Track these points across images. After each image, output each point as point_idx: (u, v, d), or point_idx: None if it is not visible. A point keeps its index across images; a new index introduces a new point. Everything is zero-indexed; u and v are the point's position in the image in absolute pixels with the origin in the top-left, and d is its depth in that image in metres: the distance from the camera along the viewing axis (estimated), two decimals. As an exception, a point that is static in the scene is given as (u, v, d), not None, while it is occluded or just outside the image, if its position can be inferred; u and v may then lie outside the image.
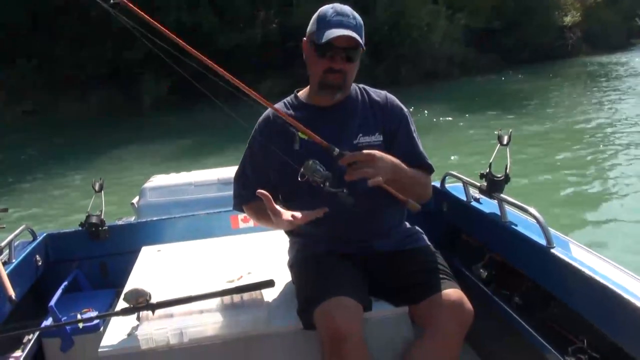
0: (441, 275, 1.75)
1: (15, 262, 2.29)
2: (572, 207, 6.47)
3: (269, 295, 1.85)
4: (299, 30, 2.00)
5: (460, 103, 15.02)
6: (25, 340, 2.19)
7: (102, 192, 2.69)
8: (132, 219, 3.22)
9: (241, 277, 2.05)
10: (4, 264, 2.21)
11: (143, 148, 12.05)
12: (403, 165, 1.73)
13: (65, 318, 2.21)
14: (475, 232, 2.41)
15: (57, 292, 2.31)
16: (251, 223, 2.60)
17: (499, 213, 2.11)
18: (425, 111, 13.20)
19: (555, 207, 6.26)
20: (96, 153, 11.80)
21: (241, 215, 2.67)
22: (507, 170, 2.08)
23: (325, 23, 1.74)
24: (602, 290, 1.51)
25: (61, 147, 13.04)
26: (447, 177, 2.61)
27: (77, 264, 2.63)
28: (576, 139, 10.22)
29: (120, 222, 2.99)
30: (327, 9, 1.77)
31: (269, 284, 1.72)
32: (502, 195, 2.09)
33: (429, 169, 1.90)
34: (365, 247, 1.87)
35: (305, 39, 1.84)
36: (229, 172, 3.09)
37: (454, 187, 2.55)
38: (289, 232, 1.99)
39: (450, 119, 13.03)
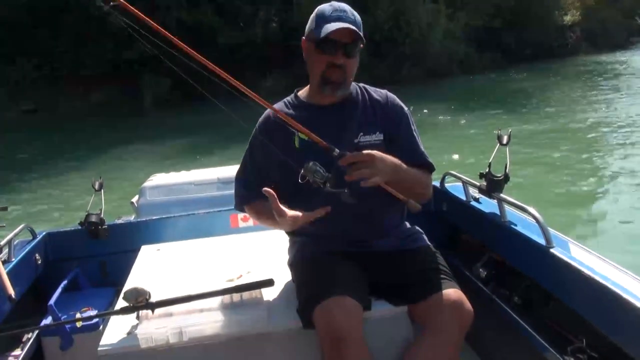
0: (441, 275, 1.75)
1: (14, 261, 2.29)
2: (571, 207, 6.47)
3: (269, 294, 1.85)
4: (299, 29, 2.00)
5: (461, 102, 15.03)
6: (24, 339, 2.19)
7: (102, 191, 2.69)
8: (132, 218, 3.21)
9: (241, 276, 2.05)
10: (4, 262, 2.21)
11: (143, 147, 12.06)
12: (403, 165, 1.73)
13: (64, 317, 2.21)
14: (474, 231, 2.41)
15: (56, 291, 2.31)
16: (251, 222, 2.60)
17: (498, 213, 2.11)
18: (425, 110, 13.20)
19: (554, 207, 6.25)
20: (96, 152, 11.82)
21: (241, 215, 2.66)
22: (507, 170, 2.08)
23: (323, 19, 1.75)
24: (601, 290, 1.51)
25: (61, 145, 13.05)
26: (446, 177, 2.61)
27: (76, 263, 2.62)
28: (576, 138, 10.22)
29: (119, 221, 2.99)
30: (325, 6, 1.78)
31: (269, 283, 1.72)
32: (501, 195, 2.09)
33: (429, 168, 1.90)
34: (365, 246, 1.87)
35: (304, 38, 1.84)
36: (229, 171, 3.09)
37: (454, 187, 2.55)
38: (289, 232, 1.99)
39: (450, 117, 13.04)
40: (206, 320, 1.71)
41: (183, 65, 1.67)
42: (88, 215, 2.60)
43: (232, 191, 2.01)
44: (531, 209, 1.88)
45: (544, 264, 1.81)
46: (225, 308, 1.75)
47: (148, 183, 3.37)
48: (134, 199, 3.35)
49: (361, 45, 1.78)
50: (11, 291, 2.03)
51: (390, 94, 1.93)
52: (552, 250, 1.76)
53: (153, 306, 1.66)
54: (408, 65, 20.00)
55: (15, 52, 16.98)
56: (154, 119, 15.77)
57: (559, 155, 8.80)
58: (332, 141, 1.65)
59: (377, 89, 1.95)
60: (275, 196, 1.64)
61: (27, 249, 2.44)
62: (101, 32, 15.96)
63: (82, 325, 2.13)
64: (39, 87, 17.20)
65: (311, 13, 1.83)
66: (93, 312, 2.28)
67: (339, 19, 1.73)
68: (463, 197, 2.40)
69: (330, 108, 1.86)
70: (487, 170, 2.13)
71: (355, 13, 1.79)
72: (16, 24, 16.83)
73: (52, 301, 2.21)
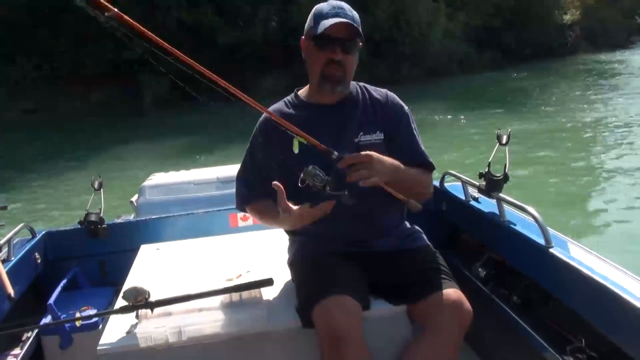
0: (440, 275, 1.75)
1: (14, 259, 2.29)
2: (571, 207, 6.48)
3: (268, 293, 1.85)
4: (299, 29, 2.00)
5: (461, 101, 15.03)
6: (24, 338, 2.19)
7: (102, 190, 2.69)
8: (131, 217, 3.21)
9: (240, 275, 2.04)
10: (3, 261, 2.21)
11: (142, 146, 12.05)
12: (402, 166, 1.73)
13: (64, 316, 2.21)
14: (474, 231, 2.41)
15: (56, 290, 2.31)
16: (250, 221, 2.60)
17: (497, 212, 2.11)
18: (425, 109, 13.19)
19: (554, 207, 6.26)
20: (96, 151, 11.81)
21: (240, 214, 2.66)
22: (506, 170, 2.09)
23: (321, 16, 1.76)
24: (600, 290, 1.51)
25: (61, 145, 13.03)
26: (446, 177, 2.61)
27: (76, 262, 2.62)
28: (576, 137, 10.23)
29: (119, 221, 2.99)
30: (323, 4, 1.80)
31: (268, 282, 1.72)
32: (501, 194, 2.09)
33: (429, 167, 1.90)
34: (365, 246, 1.87)
35: (303, 37, 1.84)
36: (229, 170, 3.10)
37: (453, 187, 2.55)
38: (289, 231, 1.99)
39: (450, 117, 13.03)
40: (205, 320, 1.71)
41: (180, 69, 1.67)
42: (87, 215, 2.60)
43: (232, 191, 2.01)
44: (530, 209, 1.88)
45: (543, 264, 1.81)
46: (225, 307, 1.75)
47: (147, 182, 3.37)
48: (134, 198, 3.35)
49: (360, 44, 1.78)
50: (11, 290, 2.03)
51: (390, 93, 1.93)
52: (551, 250, 1.76)
53: (152, 305, 1.66)
54: (408, 65, 19.99)
55: (15, 52, 16.96)
56: (154, 118, 15.75)
57: (559, 155, 8.80)
58: (332, 140, 1.65)
59: (377, 88, 1.95)
60: (284, 191, 1.64)
61: (26, 248, 2.44)
62: (101, 32, 15.88)
63: (82, 325, 2.12)
64: (39, 87, 17.18)
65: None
66: (92, 312, 2.28)
67: (336, 15, 1.74)
68: (462, 197, 2.41)
69: (330, 107, 1.86)
70: (486, 169, 2.13)
71: (354, 11, 1.80)
72: (16, 24, 16.81)
73: (51, 300, 2.21)
